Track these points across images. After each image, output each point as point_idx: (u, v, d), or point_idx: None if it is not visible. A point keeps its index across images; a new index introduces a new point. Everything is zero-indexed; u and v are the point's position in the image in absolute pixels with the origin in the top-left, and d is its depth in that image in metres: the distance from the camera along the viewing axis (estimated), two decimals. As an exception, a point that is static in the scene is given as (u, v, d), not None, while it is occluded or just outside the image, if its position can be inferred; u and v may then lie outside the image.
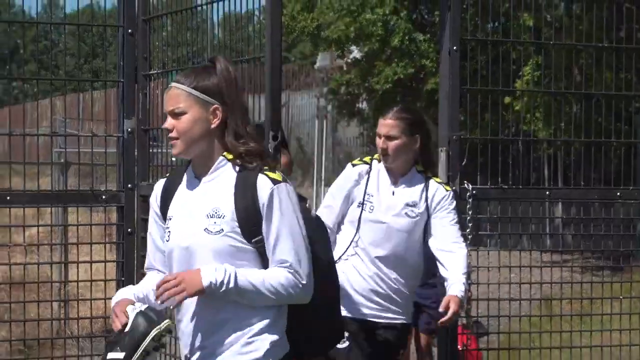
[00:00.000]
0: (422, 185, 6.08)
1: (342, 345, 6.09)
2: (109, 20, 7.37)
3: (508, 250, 7.41)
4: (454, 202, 6.06)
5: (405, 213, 6.04)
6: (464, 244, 6.09)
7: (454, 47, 6.69)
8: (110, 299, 6.66)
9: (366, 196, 6.11)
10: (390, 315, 6.17)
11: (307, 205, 7.39)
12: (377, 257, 6.08)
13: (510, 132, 7.85)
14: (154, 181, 6.58)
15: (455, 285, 5.79)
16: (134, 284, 6.56)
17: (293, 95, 33.99)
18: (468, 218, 6.55)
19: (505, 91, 8.53)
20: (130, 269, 6.56)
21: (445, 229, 6.03)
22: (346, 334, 6.35)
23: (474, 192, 6.54)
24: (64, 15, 7.59)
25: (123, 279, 6.57)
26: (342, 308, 5.44)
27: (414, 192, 6.08)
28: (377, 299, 6.11)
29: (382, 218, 6.05)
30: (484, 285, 6.98)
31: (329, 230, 5.38)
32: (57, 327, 7.61)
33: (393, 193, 6.09)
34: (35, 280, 6.86)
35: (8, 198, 6.30)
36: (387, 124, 6.13)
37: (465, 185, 6.55)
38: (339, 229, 6.25)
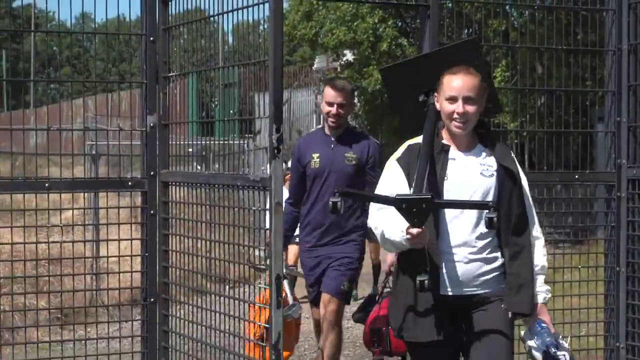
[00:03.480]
0: None
1: None
2: (133, 29, 7.34)
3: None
4: None
5: None
6: None
7: (433, 51, 6.70)
8: (137, 272, 6.73)
9: None
10: None
11: None
12: None
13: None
14: (173, 169, 6.58)
15: None
16: (156, 259, 6.61)
17: (294, 93, 34.17)
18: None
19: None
20: (153, 246, 6.56)
21: None
22: None
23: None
24: (95, 25, 7.58)
25: (147, 254, 6.57)
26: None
27: None
28: None
29: None
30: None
31: None
32: (89, 297, 7.60)
33: None
34: (71, 257, 6.85)
35: (47, 185, 6.29)
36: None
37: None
38: None
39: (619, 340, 6.95)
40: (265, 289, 6.07)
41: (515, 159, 5.16)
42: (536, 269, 5.08)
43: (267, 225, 5.74)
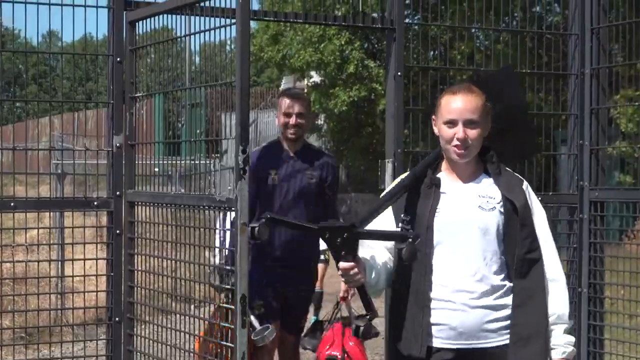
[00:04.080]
0: None
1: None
2: (100, 49, 7.35)
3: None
4: None
5: None
6: None
7: (399, 73, 6.78)
8: (102, 291, 6.74)
9: None
10: None
11: None
12: None
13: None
14: (139, 189, 6.60)
15: None
16: (122, 279, 6.62)
17: (261, 113, 34.25)
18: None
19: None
20: (118, 265, 6.56)
21: None
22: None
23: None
24: (61, 44, 7.56)
25: (112, 273, 6.58)
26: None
27: None
28: None
29: None
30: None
31: None
32: (54, 316, 7.60)
33: None
34: (35, 276, 6.84)
35: (12, 204, 6.30)
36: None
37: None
38: None
39: (580, 356, 7.03)
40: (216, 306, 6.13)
41: (526, 190, 4.51)
42: (551, 317, 4.40)
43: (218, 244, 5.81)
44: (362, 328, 4.31)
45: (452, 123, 4.38)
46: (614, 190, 7.52)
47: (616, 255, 7.20)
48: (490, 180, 4.50)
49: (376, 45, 25.94)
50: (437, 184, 4.47)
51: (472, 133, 4.37)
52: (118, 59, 6.51)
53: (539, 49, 7.62)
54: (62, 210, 7.27)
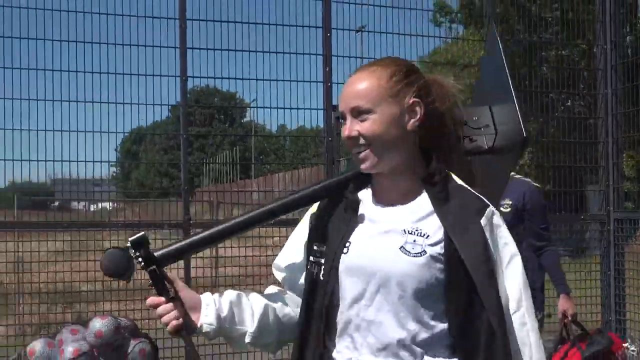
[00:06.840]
0: None
1: None
2: (309, 133, 7.75)
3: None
4: None
5: None
6: None
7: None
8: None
9: None
10: None
11: None
12: None
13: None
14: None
15: None
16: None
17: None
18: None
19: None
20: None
21: None
22: None
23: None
24: (288, 131, 8.05)
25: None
26: None
27: None
28: None
29: None
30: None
31: None
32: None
33: None
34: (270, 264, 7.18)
35: (272, 222, 6.71)
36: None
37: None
38: None
39: (610, 315, 7.11)
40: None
41: (489, 223, 1.83)
42: None
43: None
44: None
45: (343, 118, 1.93)
46: (628, 212, 7.62)
47: (632, 252, 7.29)
48: (434, 205, 1.86)
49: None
50: (354, 207, 1.93)
51: (365, 127, 1.86)
52: (329, 139, 6.81)
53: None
54: (293, 226, 7.65)
